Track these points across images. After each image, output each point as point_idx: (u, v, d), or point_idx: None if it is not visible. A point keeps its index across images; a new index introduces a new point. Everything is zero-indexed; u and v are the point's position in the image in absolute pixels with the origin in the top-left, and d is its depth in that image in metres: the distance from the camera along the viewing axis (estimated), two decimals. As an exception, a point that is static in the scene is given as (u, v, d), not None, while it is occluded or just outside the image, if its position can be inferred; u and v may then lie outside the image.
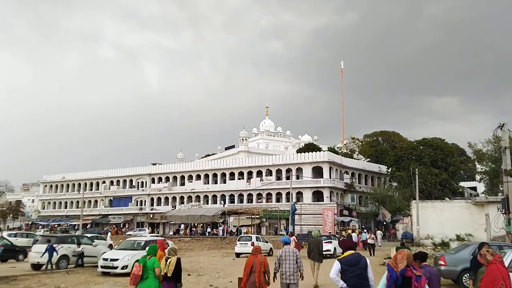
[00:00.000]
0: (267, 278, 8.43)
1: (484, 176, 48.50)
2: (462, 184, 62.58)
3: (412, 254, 6.05)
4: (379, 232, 38.96)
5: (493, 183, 44.38)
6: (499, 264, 6.44)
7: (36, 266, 18.58)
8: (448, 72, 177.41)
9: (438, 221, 31.62)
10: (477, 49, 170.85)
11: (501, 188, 35.82)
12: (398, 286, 5.42)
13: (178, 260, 7.86)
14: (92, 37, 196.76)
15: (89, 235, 29.47)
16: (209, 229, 54.43)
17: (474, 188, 63.17)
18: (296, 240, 20.39)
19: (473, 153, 53.43)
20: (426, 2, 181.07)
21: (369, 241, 29.54)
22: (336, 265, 6.34)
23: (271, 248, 27.94)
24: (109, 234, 42.80)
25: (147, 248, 17.37)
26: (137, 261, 7.58)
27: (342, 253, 6.58)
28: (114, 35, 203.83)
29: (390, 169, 57.99)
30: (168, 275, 7.61)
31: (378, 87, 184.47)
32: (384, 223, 51.64)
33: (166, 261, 7.75)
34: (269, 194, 58.36)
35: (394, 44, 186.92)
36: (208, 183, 65.23)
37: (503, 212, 20.40)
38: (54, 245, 18.39)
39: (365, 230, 36.57)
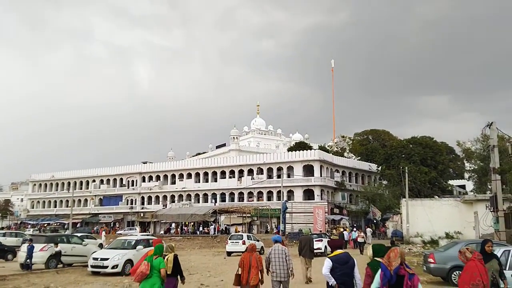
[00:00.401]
0: (260, 277, 8.54)
1: (472, 174, 48.98)
2: (451, 182, 63.05)
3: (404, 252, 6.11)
4: (369, 230, 39.19)
5: (481, 181, 44.81)
6: (477, 261, 6.78)
7: (25, 266, 18.43)
8: (439, 71, 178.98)
9: (427, 219, 31.87)
10: (467, 48, 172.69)
11: (489, 186, 36.24)
12: (392, 284, 5.39)
13: (176, 257, 8.11)
14: (83, 36, 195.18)
15: (78, 234, 29.33)
16: (200, 228, 54.37)
17: (463, 186, 63.82)
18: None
19: (462, 151, 53.94)
20: (417, 2, 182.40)
21: (359, 239, 29.79)
22: (327, 263, 6.54)
23: (262, 247, 27.99)
24: (103, 233, 42.52)
25: (139, 247, 17.31)
26: (145, 259, 7.78)
27: (331, 252, 6.70)
28: (106, 34, 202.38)
29: (380, 167, 58.30)
30: (168, 272, 7.83)
31: (369, 86, 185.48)
32: (374, 221, 52.01)
33: (164, 258, 7.91)
34: (260, 193, 58.43)
35: (386, 43, 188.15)
36: (199, 182, 65.02)
37: (491, 210, 20.62)
38: (44, 245, 18.25)
39: (355, 229, 36.80)
